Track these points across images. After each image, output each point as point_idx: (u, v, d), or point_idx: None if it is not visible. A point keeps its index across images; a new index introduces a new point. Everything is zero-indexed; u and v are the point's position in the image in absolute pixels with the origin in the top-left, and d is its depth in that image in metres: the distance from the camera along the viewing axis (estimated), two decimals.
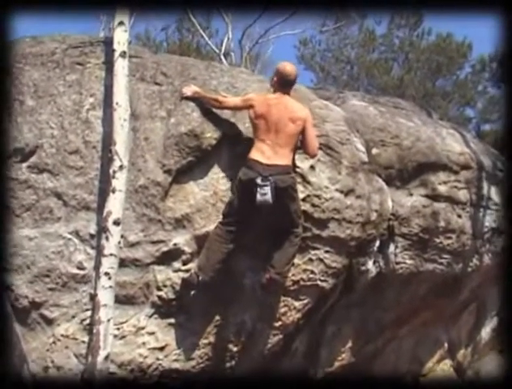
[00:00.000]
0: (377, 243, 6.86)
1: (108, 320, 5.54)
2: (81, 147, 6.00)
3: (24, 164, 5.87)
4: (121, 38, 6.11)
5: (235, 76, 6.82)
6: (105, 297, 5.56)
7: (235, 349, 6.24)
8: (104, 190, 5.77)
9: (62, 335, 5.77)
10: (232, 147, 6.24)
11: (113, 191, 5.67)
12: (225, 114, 6.28)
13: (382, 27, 22.96)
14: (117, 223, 5.63)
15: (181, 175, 6.12)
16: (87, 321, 5.75)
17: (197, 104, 6.24)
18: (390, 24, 22.90)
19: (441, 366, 8.88)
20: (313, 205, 6.24)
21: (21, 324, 5.73)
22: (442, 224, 7.38)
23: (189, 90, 6.26)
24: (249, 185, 5.78)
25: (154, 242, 5.97)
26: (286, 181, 5.85)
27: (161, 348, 5.97)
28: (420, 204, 7.27)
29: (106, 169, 5.83)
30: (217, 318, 6.12)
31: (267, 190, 5.72)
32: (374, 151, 7.07)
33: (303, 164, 6.25)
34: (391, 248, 7.08)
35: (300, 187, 6.17)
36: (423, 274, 7.41)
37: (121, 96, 5.89)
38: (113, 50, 6.06)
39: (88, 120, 6.09)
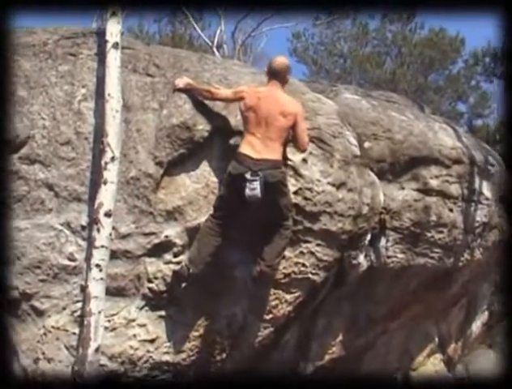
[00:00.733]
0: (369, 237, 6.86)
1: (99, 312, 5.53)
2: (73, 139, 5.98)
3: (16, 155, 5.85)
4: (113, 29, 6.07)
5: (228, 68, 6.82)
6: (96, 288, 5.55)
7: (225, 342, 6.25)
8: (96, 182, 5.76)
9: (53, 327, 5.77)
10: (224, 140, 6.23)
11: (105, 183, 5.66)
12: (217, 107, 6.27)
13: (375, 21, 22.99)
14: (108, 214, 5.62)
15: (173, 167, 6.12)
16: (78, 313, 5.74)
17: (189, 96, 6.23)
18: (383, 18, 22.90)
19: (431, 360, 8.89)
20: (305, 198, 6.24)
21: (11, 315, 5.73)
22: (434, 218, 7.37)
23: (181, 82, 6.25)
24: (238, 180, 5.77)
25: (145, 234, 5.97)
26: (276, 176, 5.84)
27: (152, 341, 5.97)
28: (411, 198, 7.27)
29: (98, 161, 5.81)
30: (208, 310, 6.13)
31: (257, 184, 5.71)
32: (366, 144, 7.06)
33: (295, 157, 6.24)
34: (382, 242, 7.08)
35: (291, 180, 6.17)
36: (414, 268, 7.41)
37: (113, 87, 5.87)
38: (106, 41, 6.03)
39: (80, 111, 6.07)
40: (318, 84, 8.49)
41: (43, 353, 5.73)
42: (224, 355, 6.30)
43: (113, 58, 5.96)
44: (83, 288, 5.67)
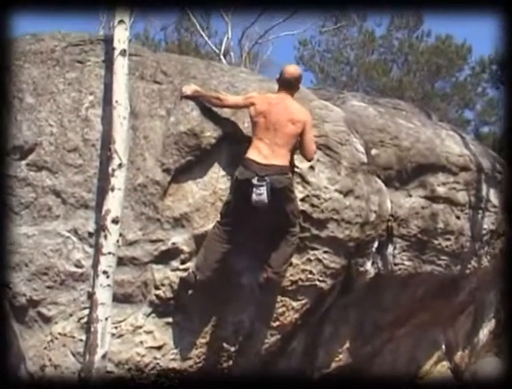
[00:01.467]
0: (376, 244, 6.85)
1: (106, 319, 5.53)
2: (80, 145, 5.99)
3: (23, 162, 5.86)
4: (121, 36, 6.08)
5: (235, 75, 6.82)
6: (103, 295, 5.55)
7: (232, 349, 6.24)
8: (103, 189, 5.76)
9: (60, 334, 5.77)
10: (232, 147, 6.23)
11: (112, 189, 5.66)
12: (225, 113, 6.27)
13: (382, 28, 23.04)
14: (115, 221, 5.63)
15: (180, 174, 6.11)
16: (85, 319, 5.74)
17: (196, 104, 6.23)
18: (389, 26, 22.95)
19: (438, 368, 8.86)
20: (312, 205, 6.23)
21: (18, 322, 5.73)
22: (441, 225, 7.37)
23: (189, 89, 6.25)
24: (245, 185, 5.77)
25: (152, 241, 5.96)
26: (282, 182, 5.83)
27: (159, 347, 5.96)
28: (418, 205, 7.26)
29: (105, 167, 5.82)
30: (215, 317, 6.12)
31: (263, 190, 5.70)
32: (373, 151, 7.06)
33: (302, 164, 6.23)
34: (390, 249, 7.08)
35: (299, 187, 6.17)
36: (421, 275, 7.40)
37: (120, 94, 5.88)
38: (113, 48, 6.04)
39: (88, 118, 6.08)
40: (325, 91, 8.51)
41: (50, 360, 5.73)
42: (231, 362, 6.28)
43: (121, 65, 5.97)
44: (90, 295, 5.67)
